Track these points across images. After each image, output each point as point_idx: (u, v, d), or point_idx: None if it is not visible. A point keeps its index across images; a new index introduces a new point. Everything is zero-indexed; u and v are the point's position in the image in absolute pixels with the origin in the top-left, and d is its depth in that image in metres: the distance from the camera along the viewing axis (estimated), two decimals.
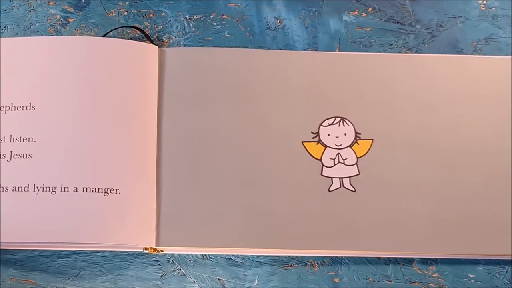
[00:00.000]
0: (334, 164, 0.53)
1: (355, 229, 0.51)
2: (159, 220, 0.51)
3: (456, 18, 0.60)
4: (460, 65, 0.57)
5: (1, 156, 0.50)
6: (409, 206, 0.52)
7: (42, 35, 0.57)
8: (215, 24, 0.59)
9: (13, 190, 0.49)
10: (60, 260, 0.52)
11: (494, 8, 0.61)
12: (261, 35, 0.59)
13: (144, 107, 0.53)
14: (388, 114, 0.55)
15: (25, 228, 0.49)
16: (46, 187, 0.49)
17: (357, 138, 0.54)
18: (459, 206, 0.52)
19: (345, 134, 0.54)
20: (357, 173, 0.53)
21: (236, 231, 0.51)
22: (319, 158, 0.53)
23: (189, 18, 0.59)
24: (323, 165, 0.53)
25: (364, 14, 0.60)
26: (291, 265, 0.52)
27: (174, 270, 0.52)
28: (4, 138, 0.51)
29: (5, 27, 0.58)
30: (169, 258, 0.52)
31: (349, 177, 0.53)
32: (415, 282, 0.52)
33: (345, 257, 0.52)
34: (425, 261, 0.52)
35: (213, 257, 0.52)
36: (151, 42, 0.57)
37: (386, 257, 0.52)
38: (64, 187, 0.49)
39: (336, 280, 0.52)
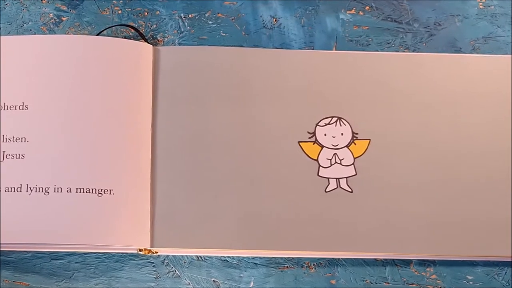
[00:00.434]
0: (331, 165, 0.53)
1: (352, 230, 0.51)
2: (153, 221, 0.50)
3: (454, 17, 0.60)
4: (458, 64, 0.56)
5: None
6: (406, 207, 0.52)
7: (35, 34, 0.57)
8: (210, 22, 0.59)
9: (5, 191, 0.49)
10: (53, 262, 0.51)
11: (492, 7, 0.60)
12: (257, 33, 0.58)
13: (139, 106, 0.52)
14: (386, 114, 0.54)
15: (18, 229, 0.48)
16: (39, 188, 0.49)
17: (354, 138, 0.54)
18: (457, 207, 0.52)
19: (342, 134, 0.54)
20: (354, 173, 0.53)
21: (232, 232, 0.50)
22: (316, 158, 0.53)
23: (184, 17, 0.59)
24: (319, 165, 0.53)
25: (361, 13, 0.60)
26: (287, 267, 0.52)
27: (168, 272, 0.51)
28: None
29: None
30: (164, 260, 0.52)
31: (346, 177, 0.52)
32: (412, 284, 0.52)
33: (342, 258, 0.52)
34: (423, 263, 0.52)
35: (208, 258, 0.52)
36: (146, 41, 0.56)
37: (384, 259, 0.52)
38: (58, 188, 0.49)
39: (333, 281, 0.52)
